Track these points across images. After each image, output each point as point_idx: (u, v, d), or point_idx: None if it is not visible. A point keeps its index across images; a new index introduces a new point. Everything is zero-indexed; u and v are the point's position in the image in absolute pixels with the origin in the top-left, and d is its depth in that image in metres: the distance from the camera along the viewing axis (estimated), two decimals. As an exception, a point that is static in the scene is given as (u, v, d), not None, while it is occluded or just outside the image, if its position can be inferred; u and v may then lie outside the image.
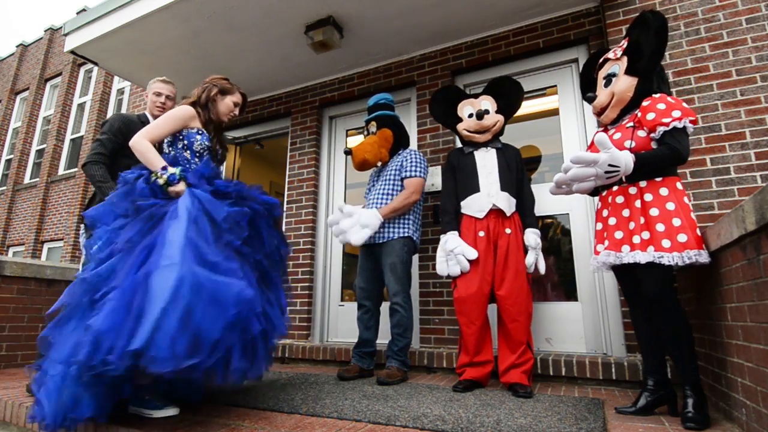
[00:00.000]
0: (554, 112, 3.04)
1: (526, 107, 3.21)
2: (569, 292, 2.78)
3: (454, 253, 2.31)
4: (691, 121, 1.66)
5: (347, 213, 2.60)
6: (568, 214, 2.83)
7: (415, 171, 2.63)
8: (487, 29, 3.22)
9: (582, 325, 2.65)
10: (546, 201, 2.89)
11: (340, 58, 3.58)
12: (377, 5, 2.95)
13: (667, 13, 2.58)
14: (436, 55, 3.42)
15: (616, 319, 2.51)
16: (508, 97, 2.54)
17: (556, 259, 2.98)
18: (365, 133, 2.86)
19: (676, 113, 1.66)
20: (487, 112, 2.50)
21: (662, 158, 1.69)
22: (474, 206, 2.39)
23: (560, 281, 2.92)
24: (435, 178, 3.15)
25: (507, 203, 2.35)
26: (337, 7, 2.97)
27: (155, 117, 2.56)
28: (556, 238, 3.01)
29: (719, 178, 2.29)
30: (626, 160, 1.65)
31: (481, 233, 2.34)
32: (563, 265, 2.90)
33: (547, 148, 3.13)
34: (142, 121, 2.54)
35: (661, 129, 1.68)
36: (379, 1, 2.91)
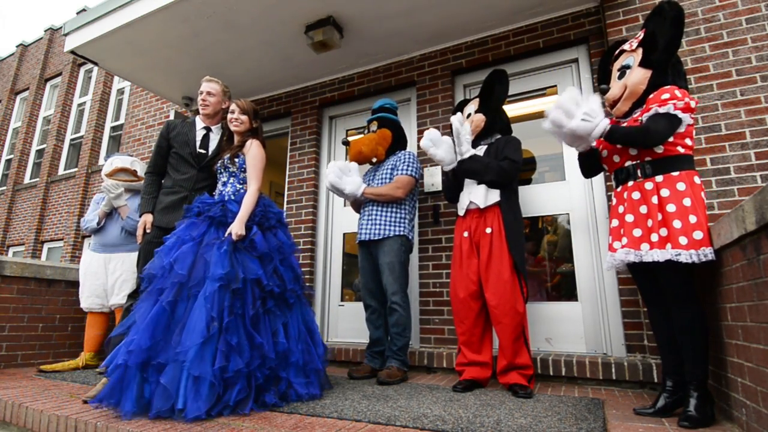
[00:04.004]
0: (554, 112, 3.03)
1: (527, 107, 3.21)
2: (569, 292, 2.77)
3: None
4: (681, 108, 1.64)
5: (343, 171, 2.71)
6: (568, 214, 2.82)
7: (407, 170, 2.67)
8: (487, 29, 3.22)
9: (582, 325, 2.65)
10: (546, 201, 2.89)
11: (340, 58, 3.58)
12: (377, 5, 2.95)
13: (667, 13, 2.58)
14: (436, 55, 3.42)
15: (616, 319, 2.51)
16: (491, 88, 2.49)
17: (556, 259, 2.99)
18: (366, 131, 2.91)
19: (665, 98, 1.66)
20: (468, 116, 2.55)
21: (629, 134, 1.69)
22: (459, 205, 2.48)
23: (560, 281, 2.92)
24: (435, 178, 3.14)
25: (483, 196, 2.34)
26: (337, 7, 2.97)
27: (203, 116, 2.58)
28: (556, 238, 3.01)
29: (719, 178, 2.29)
30: (602, 121, 1.73)
31: (465, 233, 2.39)
32: (563, 265, 2.89)
33: (547, 148, 3.13)
34: (186, 121, 2.61)
35: (645, 115, 1.69)
36: (379, 1, 2.91)
